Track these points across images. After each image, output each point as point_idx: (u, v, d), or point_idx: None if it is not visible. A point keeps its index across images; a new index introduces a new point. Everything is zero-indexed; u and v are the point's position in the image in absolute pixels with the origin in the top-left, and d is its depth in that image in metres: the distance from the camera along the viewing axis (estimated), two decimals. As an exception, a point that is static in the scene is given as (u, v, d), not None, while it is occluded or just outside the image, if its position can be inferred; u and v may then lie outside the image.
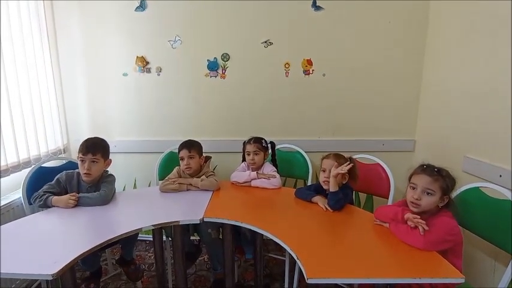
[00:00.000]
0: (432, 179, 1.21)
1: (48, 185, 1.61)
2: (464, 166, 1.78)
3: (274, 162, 2.01)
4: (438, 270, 1.00)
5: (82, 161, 1.62)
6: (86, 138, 1.70)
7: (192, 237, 2.00)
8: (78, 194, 1.57)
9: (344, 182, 1.56)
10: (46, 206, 1.52)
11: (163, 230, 1.74)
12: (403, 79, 2.28)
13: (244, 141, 1.97)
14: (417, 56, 2.24)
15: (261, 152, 1.90)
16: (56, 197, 1.54)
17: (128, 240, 1.67)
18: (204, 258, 2.23)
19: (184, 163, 1.83)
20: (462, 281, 0.97)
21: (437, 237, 1.12)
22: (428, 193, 1.21)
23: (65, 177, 1.65)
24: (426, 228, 1.13)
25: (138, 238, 2.43)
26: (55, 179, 1.64)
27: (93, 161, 1.62)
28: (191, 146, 1.86)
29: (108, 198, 1.61)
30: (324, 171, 1.60)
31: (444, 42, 2.04)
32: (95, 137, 1.72)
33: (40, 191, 1.57)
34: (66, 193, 1.60)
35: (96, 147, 1.64)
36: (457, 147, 1.87)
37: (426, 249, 1.10)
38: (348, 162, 1.54)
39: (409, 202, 1.25)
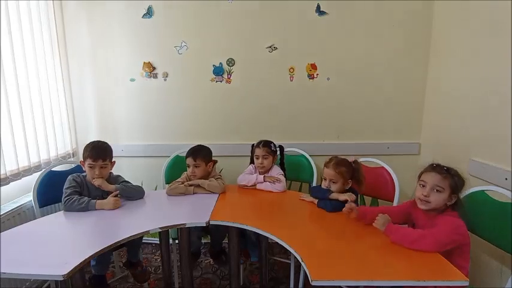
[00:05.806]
0: (442, 177, 1.23)
1: (72, 186, 1.61)
2: (470, 169, 1.77)
3: (282, 165, 2.01)
4: (442, 273, 1.00)
5: (91, 167, 1.64)
6: (90, 143, 1.71)
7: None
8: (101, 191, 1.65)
9: (347, 188, 1.57)
10: (87, 209, 1.54)
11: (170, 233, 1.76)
12: (408, 82, 2.28)
13: (253, 144, 1.97)
14: (422, 59, 2.24)
15: (270, 156, 1.90)
16: (99, 201, 1.56)
17: (133, 243, 1.68)
18: (209, 262, 2.25)
19: (190, 171, 1.85)
20: (466, 283, 0.97)
21: (443, 235, 1.13)
22: (437, 190, 1.23)
23: (79, 178, 1.67)
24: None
25: (145, 241, 2.47)
26: (71, 180, 1.64)
27: (103, 167, 1.66)
28: (197, 154, 1.84)
29: (142, 189, 1.77)
30: (325, 179, 1.60)
31: (449, 45, 2.04)
32: (99, 142, 1.74)
33: (69, 194, 1.57)
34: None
35: (105, 153, 1.69)
36: (463, 150, 1.86)
37: (436, 250, 1.10)
38: (348, 198, 1.47)
39: (418, 199, 1.27)
